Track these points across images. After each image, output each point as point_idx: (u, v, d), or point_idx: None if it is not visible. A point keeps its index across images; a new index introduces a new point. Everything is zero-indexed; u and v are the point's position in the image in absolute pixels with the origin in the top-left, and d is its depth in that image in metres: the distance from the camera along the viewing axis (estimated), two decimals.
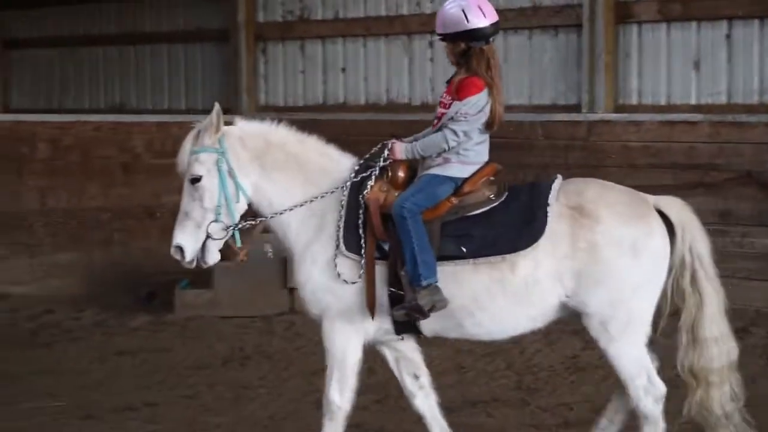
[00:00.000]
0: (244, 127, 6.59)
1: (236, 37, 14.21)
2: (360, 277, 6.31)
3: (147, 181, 13.22)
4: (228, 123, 6.55)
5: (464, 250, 6.28)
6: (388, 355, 6.77)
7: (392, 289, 6.30)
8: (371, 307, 6.32)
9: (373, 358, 9.60)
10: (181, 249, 6.41)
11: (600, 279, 6.22)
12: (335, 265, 6.34)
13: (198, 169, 6.38)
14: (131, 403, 8.44)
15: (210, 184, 6.38)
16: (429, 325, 6.36)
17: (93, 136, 12.83)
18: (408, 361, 6.73)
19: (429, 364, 9.29)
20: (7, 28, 17.24)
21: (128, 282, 12.73)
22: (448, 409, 8.15)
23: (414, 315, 6.22)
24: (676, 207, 6.48)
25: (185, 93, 15.31)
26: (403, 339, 6.62)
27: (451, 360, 9.52)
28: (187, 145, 6.48)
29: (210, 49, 14.96)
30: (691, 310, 6.38)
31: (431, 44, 12.86)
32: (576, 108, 11.72)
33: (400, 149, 6.44)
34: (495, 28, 6.42)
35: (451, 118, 6.35)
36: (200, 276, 12.47)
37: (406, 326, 6.40)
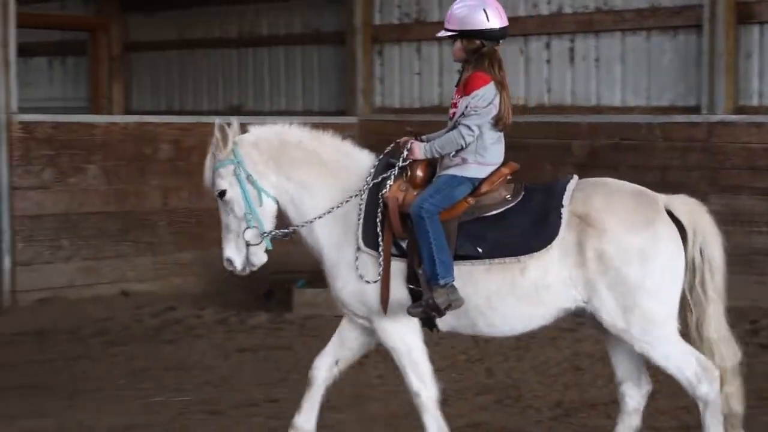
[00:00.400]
0: (257, 132, 6.73)
1: (353, 40, 14.36)
2: (380, 274, 6.44)
3: None
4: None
5: (480, 250, 6.39)
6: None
7: (411, 286, 6.44)
8: (384, 303, 6.46)
9: (490, 359, 9.72)
10: (230, 261, 6.65)
11: (611, 286, 6.28)
12: (357, 267, 6.48)
13: (221, 184, 6.58)
14: (254, 399, 8.59)
15: (234, 194, 6.57)
16: (445, 322, 6.50)
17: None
18: (344, 346, 6.91)
19: (546, 365, 9.40)
20: (129, 32, 17.61)
21: (247, 281, 12.92)
22: (567, 409, 8.22)
23: (430, 313, 6.35)
24: (687, 208, 6.50)
25: (302, 95, 15.49)
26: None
27: (569, 362, 9.55)
28: (208, 163, 6.67)
29: (327, 51, 15.13)
30: (699, 311, 6.44)
31: (548, 45, 12.88)
32: (695, 109, 11.65)
33: (419, 149, 6.51)
34: (507, 31, 6.55)
35: (462, 114, 6.43)
36: (317, 275, 12.67)
37: (424, 321, 6.55)
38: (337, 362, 6.92)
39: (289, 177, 6.63)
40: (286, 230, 6.68)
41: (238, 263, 6.64)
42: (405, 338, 6.60)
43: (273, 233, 6.62)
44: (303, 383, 8.89)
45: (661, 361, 6.37)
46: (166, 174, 12.74)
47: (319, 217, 6.57)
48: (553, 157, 12.44)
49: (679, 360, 6.34)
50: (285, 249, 12.17)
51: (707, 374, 6.33)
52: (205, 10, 16.51)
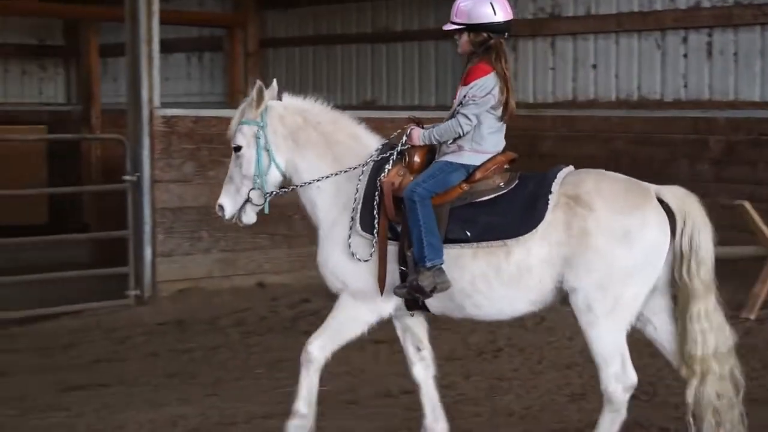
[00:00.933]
0: (286, 104, 7.04)
1: None
2: (371, 255, 6.66)
3: None
4: None
5: (468, 234, 6.58)
6: (398, 326, 7.21)
7: (402, 268, 6.65)
8: (381, 283, 6.69)
9: (637, 356, 9.66)
10: (222, 207, 6.98)
11: (590, 264, 6.42)
12: (349, 245, 6.71)
13: (239, 140, 6.94)
14: (390, 390, 8.71)
15: (248, 154, 6.93)
16: (435, 305, 6.74)
17: None
18: (413, 334, 7.13)
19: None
20: (265, 28, 17.88)
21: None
22: None
23: (415, 294, 6.57)
24: (677, 197, 6.59)
25: (435, 90, 15.54)
26: (413, 315, 7.01)
27: None
28: (236, 116, 7.03)
29: None
30: (684, 300, 6.51)
31: (685, 40, 12.73)
32: None
33: (418, 134, 6.77)
34: (511, 24, 6.73)
35: (461, 104, 6.64)
36: None
37: (415, 304, 6.77)
38: (418, 348, 7.17)
39: (301, 155, 6.96)
40: (285, 189, 7.04)
41: (228, 212, 6.97)
42: (351, 320, 6.99)
43: (275, 193, 6.99)
44: (437, 375, 9.03)
45: (598, 347, 6.51)
46: None
47: (315, 181, 6.87)
48: (689, 153, 12.33)
49: (611, 353, 6.51)
50: None
51: (624, 380, 6.54)
52: (340, 6, 16.68)
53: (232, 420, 7.89)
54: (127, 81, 11.87)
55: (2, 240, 13.28)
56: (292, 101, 7.09)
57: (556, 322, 10.18)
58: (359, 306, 6.92)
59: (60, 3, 18.01)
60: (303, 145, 6.95)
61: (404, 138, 6.85)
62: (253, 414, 7.89)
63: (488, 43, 6.65)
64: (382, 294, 6.75)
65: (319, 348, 6.95)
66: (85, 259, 13.93)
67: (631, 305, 6.50)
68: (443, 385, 8.78)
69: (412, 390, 8.58)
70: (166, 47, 12.45)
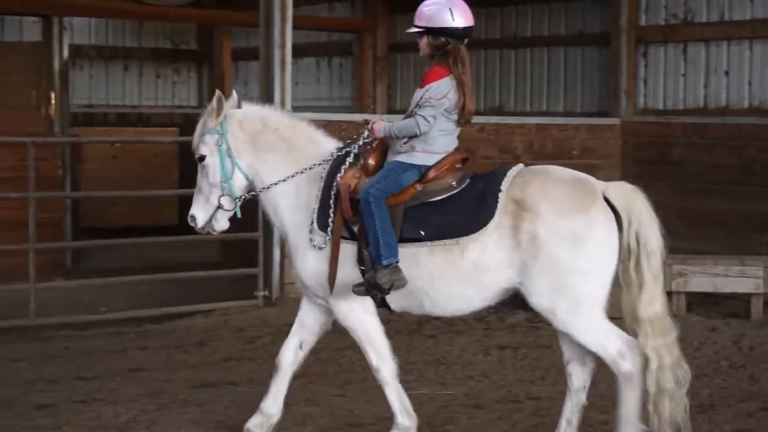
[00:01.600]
0: (246, 111, 7.25)
1: (618, 41, 14.26)
2: (326, 243, 6.90)
3: None
4: None
5: (422, 233, 6.80)
6: (300, 315, 7.49)
7: (362, 267, 6.84)
8: (332, 281, 6.90)
9: (754, 365, 9.54)
10: (193, 218, 7.22)
11: (543, 268, 6.59)
12: (310, 239, 6.95)
13: (203, 150, 7.17)
14: (516, 396, 8.73)
15: (212, 162, 7.15)
16: (396, 302, 6.97)
17: (476, 137, 13.25)
18: (308, 329, 7.42)
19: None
20: (394, 33, 18.01)
21: None
22: None
23: (373, 291, 6.80)
24: (622, 194, 6.73)
25: (564, 96, 15.50)
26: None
27: None
28: (198, 127, 7.22)
29: (590, 52, 15.09)
30: (634, 292, 6.68)
31: None
32: None
33: (380, 127, 6.97)
34: (472, 31, 6.92)
35: (418, 105, 6.82)
36: None
37: (379, 302, 6.99)
38: (301, 345, 7.43)
39: (261, 159, 7.16)
40: (254, 192, 7.22)
41: (200, 222, 7.21)
42: (360, 317, 7.08)
43: (242, 198, 7.20)
44: (563, 381, 9.02)
45: (585, 338, 6.69)
46: None
47: (276, 184, 7.11)
48: None
49: (602, 338, 6.66)
50: None
51: (631, 351, 6.64)
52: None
53: (359, 421, 7.99)
54: (260, 85, 12.10)
55: (135, 240, 13.64)
56: (251, 108, 7.32)
57: (685, 331, 10.06)
58: (353, 306, 7.08)
59: (194, 8, 18.40)
60: (263, 149, 7.17)
61: (366, 132, 7.04)
62: (380, 416, 7.96)
63: (446, 47, 6.87)
64: (332, 292, 6.96)
65: (380, 359, 7.15)
66: (215, 260, 14.19)
67: (594, 300, 6.68)
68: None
69: (538, 396, 8.65)
70: (297, 51, 12.61)
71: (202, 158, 7.18)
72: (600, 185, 6.80)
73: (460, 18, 6.88)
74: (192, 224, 7.26)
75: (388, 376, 7.14)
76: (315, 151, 7.17)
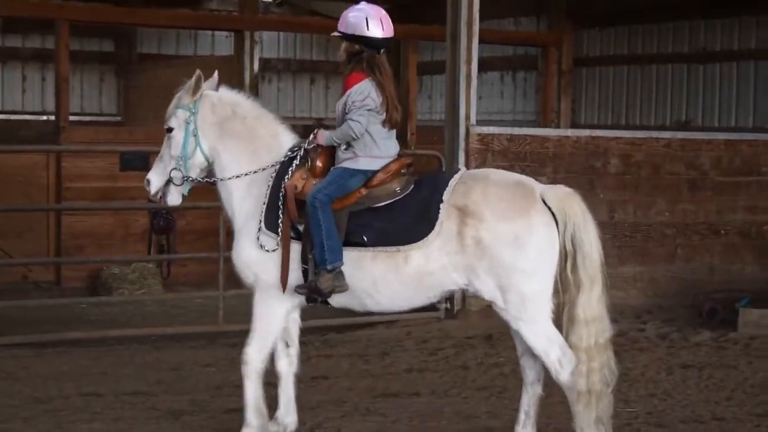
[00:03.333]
0: (220, 95, 7.49)
1: None
2: (277, 245, 7.07)
3: (712, 198, 13.35)
4: None
5: (366, 239, 7.02)
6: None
7: (305, 266, 7.06)
8: (284, 282, 7.10)
9: None
10: (149, 181, 7.45)
11: (488, 270, 6.90)
12: (258, 239, 7.11)
13: (172, 122, 7.43)
14: (700, 416, 8.59)
15: (177, 136, 7.39)
16: (336, 300, 7.17)
17: (663, 153, 13.12)
18: (285, 331, 7.45)
19: None
20: (579, 46, 17.93)
21: (690, 297, 12.90)
22: None
23: (314, 295, 7.03)
24: (557, 198, 6.97)
25: (753, 111, 15.20)
26: (311, 305, 7.37)
27: None
28: (174, 101, 7.46)
29: None
30: (572, 293, 6.95)
31: None
32: None
33: (322, 136, 7.21)
34: (389, 41, 7.19)
35: (345, 112, 7.10)
36: (763, 294, 12.43)
37: (311, 298, 7.16)
38: (287, 344, 7.53)
39: (224, 144, 7.37)
40: (208, 179, 7.46)
41: (153, 187, 7.44)
42: (273, 311, 7.24)
43: (194, 180, 7.43)
44: (750, 402, 8.87)
45: (531, 340, 6.98)
46: (614, 188, 12.91)
47: (230, 178, 7.32)
48: None
49: (545, 342, 6.95)
50: (729, 266, 12.06)
51: (566, 360, 6.93)
52: (657, 26, 16.55)
53: None
54: (446, 99, 12.21)
55: None
56: (226, 93, 7.51)
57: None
58: (273, 299, 7.22)
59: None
60: (227, 135, 7.38)
61: (311, 137, 7.25)
62: (562, 430, 7.95)
63: (360, 55, 7.14)
64: (284, 292, 7.14)
65: (258, 352, 7.27)
66: None
67: (540, 298, 6.96)
68: (757, 414, 8.65)
69: (723, 416, 8.51)
70: (481, 65, 12.69)
71: (170, 130, 7.46)
72: (539, 188, 7.07)
73: (376, 28, 7.14)
74: (147, 188, 7.50)
75: (253, 373, 7.28)
76: (273, 145, 7.38)
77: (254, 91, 16.27)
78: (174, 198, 7.53)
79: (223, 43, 20.60)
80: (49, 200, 14.23)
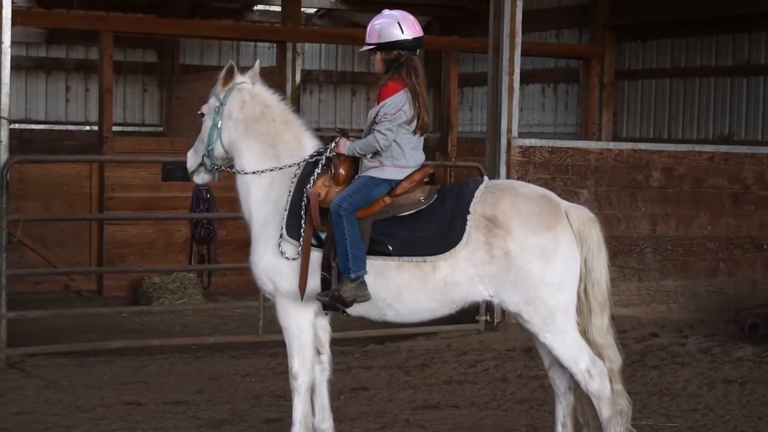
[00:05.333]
0: (254, 92, 7.44)
1: None
2: (298, 254, 7.01)
3: (755, 213, 13.28)
4: None
5: (390, 248, 6.97)
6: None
7: (324, 273, 7.00)
8: (302, 289, 7.02)
9: None
10: (188, 158, 7.56)
11: (515, 281, 6.88)
12: (279, 245, 7.05)
13: (204, 109, 7.50)
14: (743, 431, 8.53)
15: (206, 124, 7.46)
16: (356, 308, 7.07)
17: (706, 166, 13.05)
18: (315, 338, 7.32)
19: None
20: (621, 59, 17.88)
21: (732, 312, 12.81)
22: None
23: (336, 303, 6.95)
24: (579, 220, 7.02)
25: None
26: (327, 314, 7.35)
27: None
28: (214, 86, 7.45)
29: None
30: (584, 316, 7.02)
31: None
32: None
33: (344, 146, 7.14)
34: (421, 41, 7.14)
35: (375, 122, 7.01)
36: None
37: (331, 306, 7.10)
38: (318, 352, 7.40)
39: (247, 144, 7.35)
40: (230, 170, 7.44)
41: (190, 165, 7.56)
42: (299, 322, 7.19)
43: (220, 167, 7.49)
44: None
45: (560, 351, 6.94)
46: (656, 201, 12.85)
47: (254, 173, 7.28)
48: None
49: (575, 353, 6.93)
50: None
51: (597, 370, 6.92)
52: (700, 38, 16.47)
53: None
54: (488, 111, 12.18)
55: None
56: (260, 91, 7.47)
57: None
58: (293, 311, 7.18)
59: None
60: (252, 135, 7.35)
61: (333, 144, 7.20)
62: None
63: (399, 60, 7.07)
64: (302, 299, 7.08)
65: (301, 365, 7.22)
66: None
67: (566, 309, 6.94)
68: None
69: None
70: (523, 78, 12.67)
71: (201, 115, 7.53)
72: (563, 204, 7.10)
73: (409, 31, 7.10)
74: (187, 165, 7.60)
75: (302, 386, 7.23)
76: (296, 150, 7.32)
77: (296, 103, 16.33)
78: (202, 178, 7.63)
79: (265, 55, 20.69)
80: (91, 210, 14.32)
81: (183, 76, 20.21)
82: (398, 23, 7.13)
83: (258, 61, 7.69)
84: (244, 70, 7.61)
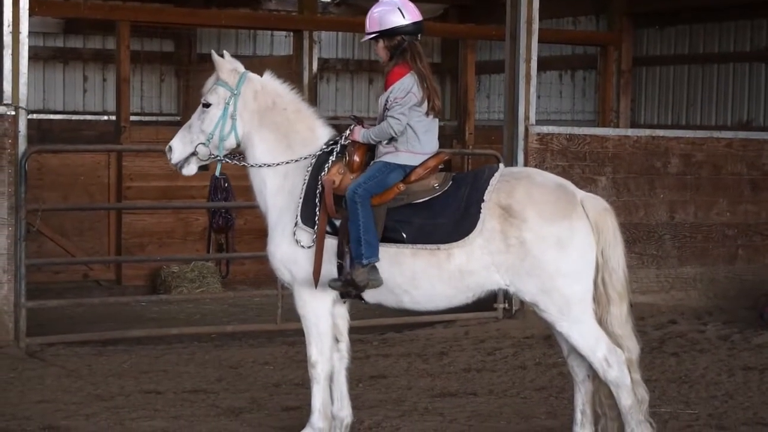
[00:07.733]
0: (264, 83, 7.38)
1: None
2: (313, 242, 7.02)
3: None
4: None
5: (404, 235, 6.97)
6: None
7: (340, 261, 7.00)
8: (316, 276, 7.03)
9: None
10: (171, 148, 7.38)
11: (530, 271, 6.85)
12: (294, 233, 7.07)
13: (211, 98, 7.31)
14: (762, 418, 8.52)
15: (214, 114, 7.30)
16: (372, 296, 7.09)
17: (724, 153, 13.01)
18: (333, 326, 7.32)
19: None
20: (639, 45, 17.82)
21: (751, 299, 12.77)
22: None
23: (348, 288, 6.93)
24: (595, 209, 7.00)
25: None
26: (345, 302, 7.37)
27: None
28: (212, 78, 7.36)
29: None
30: (603, 306, 7.00)
31: None
32: None
33: (359, 133, 7.14)
34: (422, 25, 7.16)
35: (387, 108, 7.02)
36: None
37: (347, 293, 7.09)
38: (337, 340, 7.40)
39: (260, 135, 7.31)
40: (237, 162, 7.39)
41: (176, 157, 7.37)
42: (316, 310, 7.20)
43: (222, 159, 7.34)
44: None
45: (577, 340, 6.93)
46: (675, 188, 12.82)
47: (269, 165, 7.26)
48: None
49: (592, 342, 6.91)
50: None
51: (615, 358, 6.90)
52: (717, 25, 16.40)
53: None
54: (505, 98, 12.17)
55: None
56: (269, 81, 7.42)
57: None
58: (310, 300, 7.20)
59: (440, 22, 18.65)
60: (265, 126, 7.31)
61: (347, 132, 7.20)
62: None
63: (402, 45, 7.08)
64: (316, 287, 7.09)
65: (320, 353, 7.23)
66: None
67: (582, 299, 6.93)
68: None
69: None
70: (540, 65, 12.62)
71: (207, 105, 7.35)
72: (579, 194, 7.07)
73: (410, 15, 7.12)
74: (168, 155, 7.42)
75: (321, 374, 7.26)
76: (310, 139, 7.31)
77: (312, 92, 16.32)
78: (191, 170, 7.46)
79: (281, 43, 20.69)
80: (109, 199, 14.36)
81: (200, 65, 20.20)
82: (399, 9, 7.14)
83: (225, 52, 7.55)
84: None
